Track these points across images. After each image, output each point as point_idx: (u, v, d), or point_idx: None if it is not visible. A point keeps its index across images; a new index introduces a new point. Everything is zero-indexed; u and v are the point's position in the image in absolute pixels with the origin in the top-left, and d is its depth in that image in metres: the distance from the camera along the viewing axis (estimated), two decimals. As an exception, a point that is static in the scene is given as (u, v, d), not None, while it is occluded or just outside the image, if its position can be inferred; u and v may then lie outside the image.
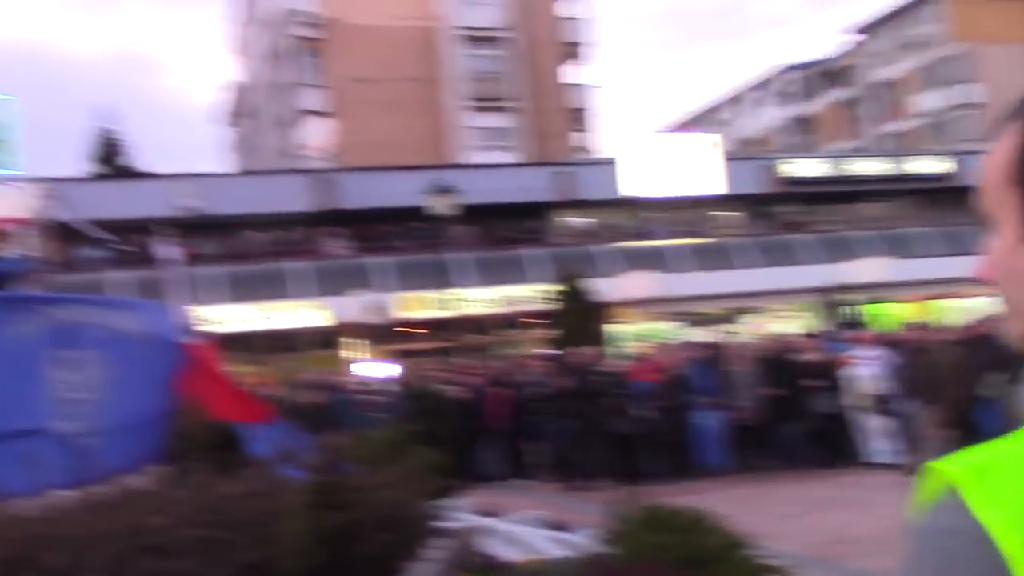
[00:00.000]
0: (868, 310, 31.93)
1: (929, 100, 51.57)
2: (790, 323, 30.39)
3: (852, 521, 8.68)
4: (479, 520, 6.70)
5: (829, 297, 32.74)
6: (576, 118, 47.93)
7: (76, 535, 3.25)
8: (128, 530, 3.30)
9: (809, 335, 18.68)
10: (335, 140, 41.78)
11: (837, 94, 58.45)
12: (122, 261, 27.65)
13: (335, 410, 15.39)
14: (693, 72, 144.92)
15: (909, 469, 10.66)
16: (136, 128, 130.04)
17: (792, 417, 12.82)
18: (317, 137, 42.75)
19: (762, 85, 64.08)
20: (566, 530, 6.77)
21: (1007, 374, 9.98)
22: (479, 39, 44.23)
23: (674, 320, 31.54)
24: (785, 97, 61.77)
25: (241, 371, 23.46)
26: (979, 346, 10.79)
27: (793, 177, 38.59)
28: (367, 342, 28.96)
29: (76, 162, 46.51)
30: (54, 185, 29.98)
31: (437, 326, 28.33)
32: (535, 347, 25.48)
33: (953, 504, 0.77)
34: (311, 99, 43.26)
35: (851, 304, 32.62)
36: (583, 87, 48.62)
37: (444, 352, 24.99)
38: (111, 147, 46.35)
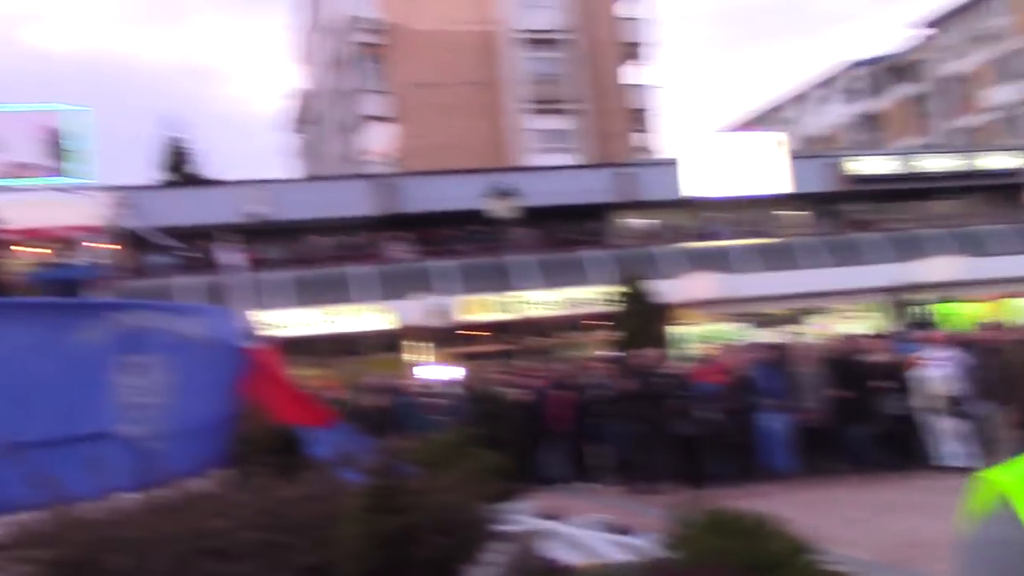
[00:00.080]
0: (939, 310, 31.24)
1: (1001, 94, 50.30)
2: (858, 323, 29.85)
3: (922, 526, 8.47)
4: (540, 523, 6.66)
5: (898, 297, 32.08)
6: (637, 119, 47.67)
7: (140, 538, 3.29)
8: (190, 533, 3.34)
9: (878, 335, 18.31)
10: (397, 145, 42.09)
11: (905, 90, 57.31)
12: (189, 267, 28.17)
13: (398, 413, 15.47)
14: (756, 70, 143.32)
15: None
16: (204, 136, 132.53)
17: (860, 419, 12.56)
18: (380, 142, 43.12)
19: (827, 82, 63.08)
20: (629, 534, 6.69)
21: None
22: (539, 41, 44.24)
23: (738, 321, 31.19)
24: (851, 94, 60.74)
25: (305, 374, 23.76)
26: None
27: (861, 175, 37.94)
28: (430, 345, 29.11)
29: (146, 170, 47.44)
30: (125, 193, 30.69)
31: (499, 329, 28.36)
32: (597, 349, 25.38)
33: (1005, 515, 0.72)
34: (374, 105, 43.66)
35: (921, 304, 31.95)
36: (644, 87, 48.33)
37: (506, 355, 24.99)
38: (180, 155, 47.27)
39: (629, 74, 47.32)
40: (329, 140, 52.51)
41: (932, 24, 54.78)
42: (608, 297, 26.10)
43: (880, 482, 11.41)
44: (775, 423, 12.76)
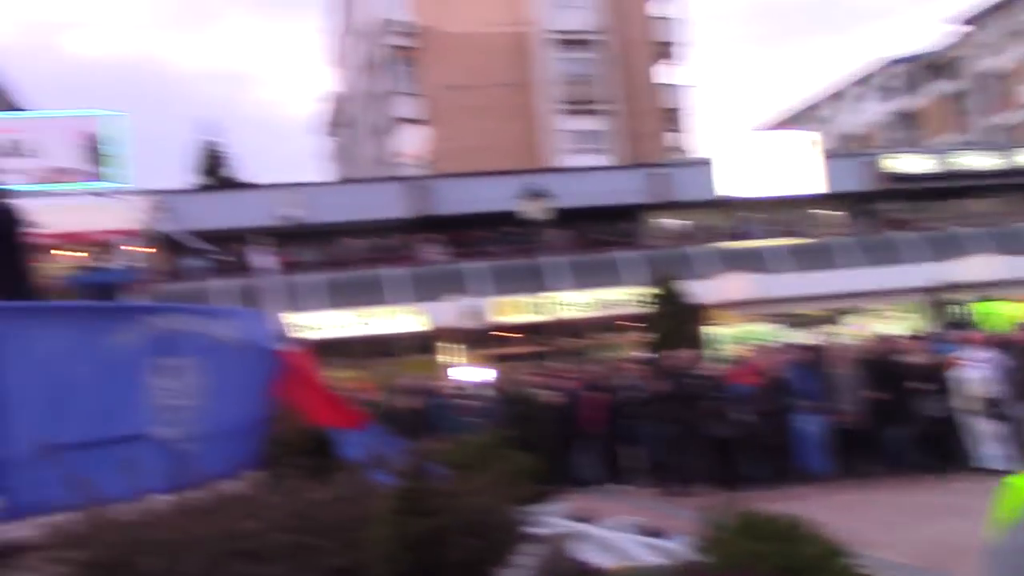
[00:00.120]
0: (977, 309, 30.82)
1: (1041, 90, 49.59)
2: (895, 324, 29.53)
3: (961, 529, 8.32)
4: (572, 525, 6.63)
5: (936, 297, 31.69)
6: (670, 119, 47.51)
7: (172, 539, 3.32)
8: (222, 535, 3.36)
9: (915, 336, 18.10)
10: (430, 147, 42.24)
11: (942, 87, 56.63)
12: (222, 270, 28.43)
13: (431, 415, 15.52)
14: (791, 69, 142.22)
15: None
16: (239, 140, 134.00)
17: (898, 421, 12.42)
18: (412, 145, 43.30)
19: (864, 80, 62.49)
20: (661, 536, 6.65)
21: None
22: (571, 42, 44.21)
23: (773, 322, 30.97)
24: (888, 91, 60.12)
25: (339, 376, 23.90)
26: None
27: (897, 173, 37.56)
28: (463, 347, 29.18)
29: (182, 174, 48.02)
30: (160, 197, 31.06)
31: (532, 330, 28.36)
32: (631, 350, 25.30)
33: None
34: (406, 107, 43.85)
35: (959, 303, 31.54)
36: (677, 87, 48.15)
37: (539, 356, 24.99)
38: (215, 159, 47.79)
39: (662, 74, 47.16)
40: (362, 143, 52.81)
41: (970, 20, 54.10)
42: (641, 298, 26.02)
43: (917, 484, 11.28)
44: (811, 425, 12.65)
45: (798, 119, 64.55)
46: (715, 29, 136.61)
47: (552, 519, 6.33)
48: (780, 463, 12.52)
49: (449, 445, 9.02)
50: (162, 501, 3.93)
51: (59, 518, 3.82)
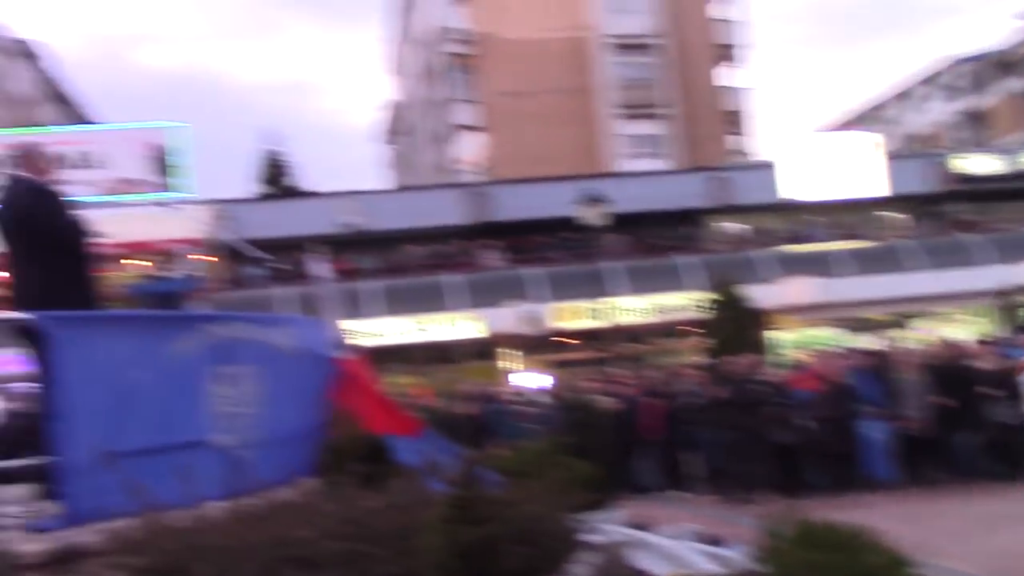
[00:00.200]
0: (1048, 313, 30.01)
1: (1114, 87, 48.19)
2: (963, 328, 28.85)
3: (1032, 539, 8.12)
4: (629, 533, 6.58)
5: (1005, 300, 30.89)
6: (731, 122, 47.09)
7: (226, 546, 3.35)
8: (275, 542, 3.38)
9: (984, 341, 17.67)
10: (488, 153, 42.38)
11: (1011, 85, 55.27)
12: (281, 278, 28.82)
13: (489, 421, 15.55)
14: (854, 70, 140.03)
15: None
16: (300, 149, 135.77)
17: (966, 427, 12.14)
18: (471, 151, 43.49)
19: (930, 79, 61.28)
20: (720, 544, 6.57)
21: None
22: (629, 46, 44.07)
23: (836, 327, 30.47)
24: (954, 91, 58.89)
25: (399, 383, 24.06)
26: None
27: (964, 174, 36.76)
28: (522, 353, 29.18)
29: (245, 184, 48.80)
30: (223, 206, 31.61)
31: (591, 336, 28.26)
32: (691, 356, 25.09)
33: None
34: (465, 114, 44.06)
35: (1029, 307, 30.74)
36: (738, 90, 47.71)
37: (598, 362, 24.89)
38: (277, 168, 48.47)
39: (722, 76, 46.75)
40: (421, 150, 53.19)
41: (1039, 16, 52.76)
42: (701, 303, 25.78)
43: (986, 493, 11.01)
44: (875, 431, 12.42)
45: (862, 120, 63.49)
46: (777, 30, 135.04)
47: (609, 527, 6.28)
48: (844, 471, 12.30)
49: (506, 452, 9.02)
50: (218, 508, 3.97)
51: (118, 524, 3.87)
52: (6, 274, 5.81)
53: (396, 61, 61.59)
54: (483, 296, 30.04)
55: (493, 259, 33.43)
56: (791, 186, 35.28)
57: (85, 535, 4.16)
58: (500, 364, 29.38)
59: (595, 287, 28.17)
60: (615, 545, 5.66)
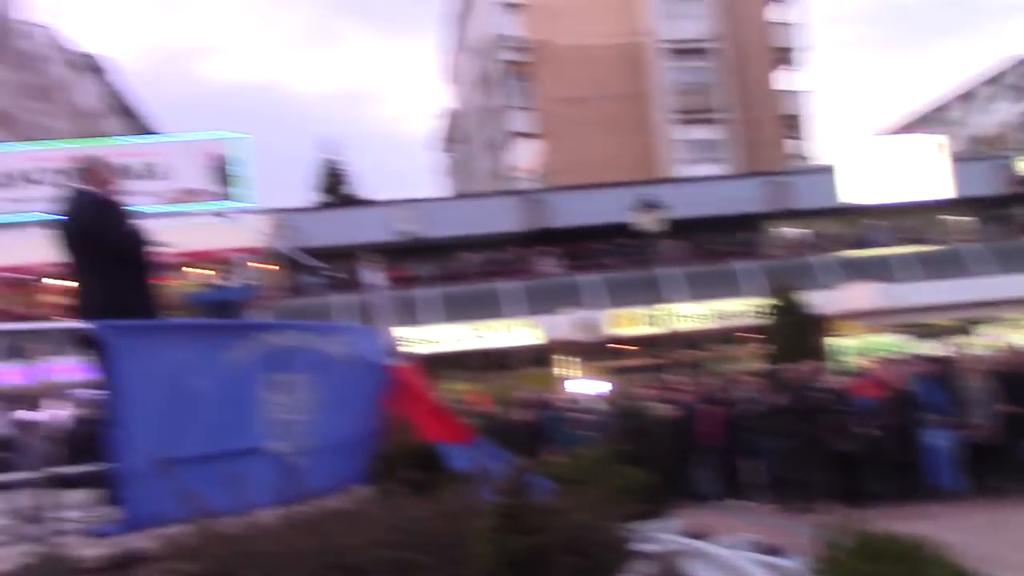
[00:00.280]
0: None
1: None
2: (1031, 334, 28.14)
3: (1106, 552, 7.86)
4: (686, 542, 6.50)
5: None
6: (790, 125, 46.54)
7: (276, 553, 3.37)
8: (325, 549, 3.39)
9: (1053, 346, 17.21)
10: (544, 160, 42.39)
11: (1080, 84, 53.94)
12: (339, 286, 29.08)
13: (546, 428, 15.52)
14: (916, 70, 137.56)
15: None
16: (358, 158, 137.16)
17: (1035, 436, 11.83)
18: (527, 158, 43.54)
19: (995, 79, 59.98)
20: (778, 554, 6.46)
21: None
22: (685, 51, 43.80)
23: (900, 333, 29.89)
24: (1020, 91, 57.58)
25: (456, 389, 24.13)
26: None
27: (1032, 176, 35.87)
28: (579, 359, 29.09)
29: (304, 192, 49.47)
30: (283, 215, 32.04)
31: (648, 343, 28.10)
32: (750, 363, 24.81)
33: None
34: (520, 121, 44.14)
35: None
36: (797, 93, 47.13)
37: (656, 369, 24.74)
38: (335, 177, 49.00)
39: (781, 80, 46.23)
40: (477, 158, 53.40)
41: (1110, 13, 51.38)
42: (760, 309, 25.47)
43: (1056, 503, 10.71)
44: (940, 440, 12.15)
45: (925, 122, 62.34)
46: (838, 32, 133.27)
47: (665, 535, 6.21)
48: (908, 480, 12.06)
49: (561, 459, 8.97)
50: (270, 515, 4.00)
51: (174, 530, 3.92)
52: (71, 284, 5.94)
53: (452, 69, 61.94)
54: (540, 303, 30.03)
55: (549, 266, 33.40)
56: (852, 190, 34.74)
57: (142, 540, 4.22)
58: (556, 371, 29.34)
59: (652, 293, 27.98)
60: (670, 554, 5.59)
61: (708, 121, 43.77)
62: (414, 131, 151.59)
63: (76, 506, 5.12)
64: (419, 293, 29.92)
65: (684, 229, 28.49)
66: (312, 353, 5.89)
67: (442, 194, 57.32)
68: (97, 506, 5.08)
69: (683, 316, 28.58)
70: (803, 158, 46.06)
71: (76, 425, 11.84)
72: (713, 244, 33.61)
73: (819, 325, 24.87)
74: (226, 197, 32.31)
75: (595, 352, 28.85)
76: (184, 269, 22.80)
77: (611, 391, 20.27)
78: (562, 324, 28.48)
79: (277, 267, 28.82)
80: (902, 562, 4.14)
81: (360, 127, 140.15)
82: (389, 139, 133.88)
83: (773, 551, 6.66)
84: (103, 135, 50.18)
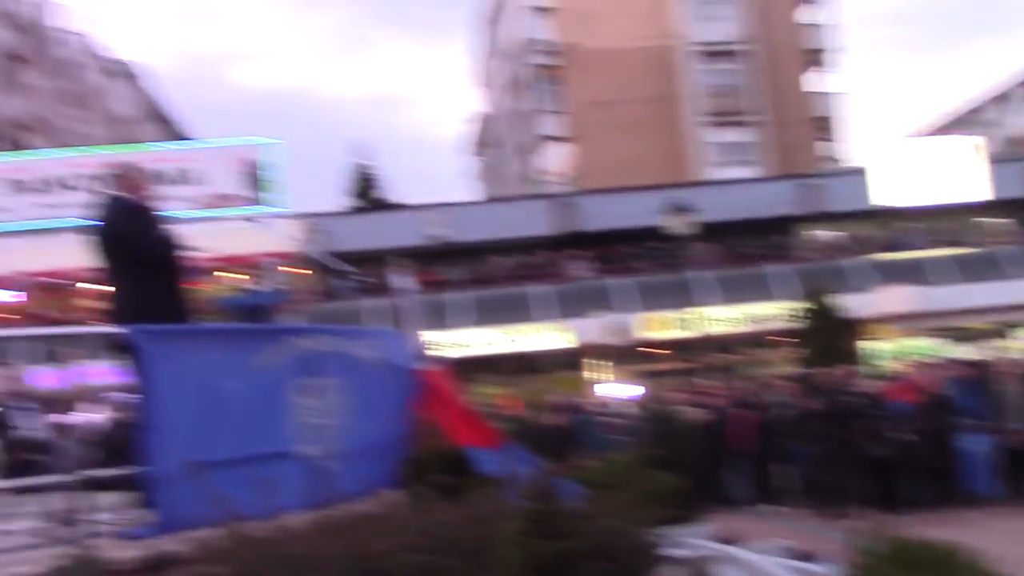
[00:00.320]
0: None
1: None
2: (1070, 337, 27.74)
3: None
4: (717, 547, 6.45)
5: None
6: (822, 128, 46.18)
7: (304, 556, 3.39)
8: (353, 553, 3.40)
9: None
10: (575, 164, 42.34)
11: (1119, 84, 53.11)
12: (369, 290, 29.22)
13: (577, 432, 15.48)
14: (950, 71, 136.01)
15: None
16: (390, 162, 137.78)
17: (1074, 441, 11.64)
18: (557, 162, 43.51)
19: (1031, 80, 59.18)
20: (811, 560, 6.40)
21: None
22: (716, 54, 43.60)
23: (935, 336, 29.53)
24: (1058, 91, 56.80)
25: (487, 393, 24.13)
26: None
27: (1071, 177, 35.34)
28: (610, 363, 29.01)
29: (336, 197, 49.74)
30: (314, 220, 32.23)
31: (679, 346, 27.97)
32: (782, 367, 24.62)
33: None
34: (551, 125, 44.11)
35: None
36: (829, 95, 46.75)
37: (687, 372, 24.61)
38: (367, 181, 49.24)
39: (813, 82, 45.89)
40: (508, 161, 53.44)
41: None
42: (792, 313, 25.27)
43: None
44: (976, 445, 11.98)
45: (961, 123, 61.61)
46: (869, 33, 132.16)
47: (696, 541, 6.17)
48: (943, 485, 11.90)
49: (592, 463, 8.94)
50: (300, 518, 4.01)
51: (205, 533, 3.95)
52: (105, 289, 6.00)
53: (483, 74, 62.04)
54: (570, 306, 29.98)
55: (580, 269, 33.35)
56: (886, 192, 34.41)
57: (174, 543, 4.25)
58: (588, 375, 29.27)
59: (683, 297, 27.85)
60: (701, 560, 5.56)
61: (739, 123, 43.54)
62: (445, 135, 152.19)
63: (109, 509, 5.17)
64: (450, 297, 29.97)
65: (715, 232, 28.34)
66: (342, 357, 5.91)
67: (473, 198, 57.41)
68: (130, 509, 5.12)
69: (714, 320, 28.43)
70: (836, 160, 45.68)
71: (111, 428, 11.98)
72: (745, 247, 33.41)
73: (853, 329, 24.62)
74: (259, 202, 32.57)
75: (626, 356, 28.76)
76: (217, 274, 22.99)
77: (642, 395, 20.17)
78: (593, 328, 28.42)
79: (308, 271, 28.99)
80: (937, 569, 4.09)
81: (392, 131, 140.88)
82: (421, 143, 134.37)
83: (806, 557, 6.60)
84: (138, 141, 50.83)
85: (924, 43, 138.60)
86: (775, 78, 43.74)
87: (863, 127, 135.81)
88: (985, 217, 35.45)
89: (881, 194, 34.42)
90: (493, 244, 33.56)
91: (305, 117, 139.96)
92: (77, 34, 52.86)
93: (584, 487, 5.43)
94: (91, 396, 16.05)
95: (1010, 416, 12.02)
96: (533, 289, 31.28)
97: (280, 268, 25.41)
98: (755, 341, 29.93)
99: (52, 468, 6.90)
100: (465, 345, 28.07)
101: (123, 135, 53.67)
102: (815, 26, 46.35)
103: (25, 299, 28.32)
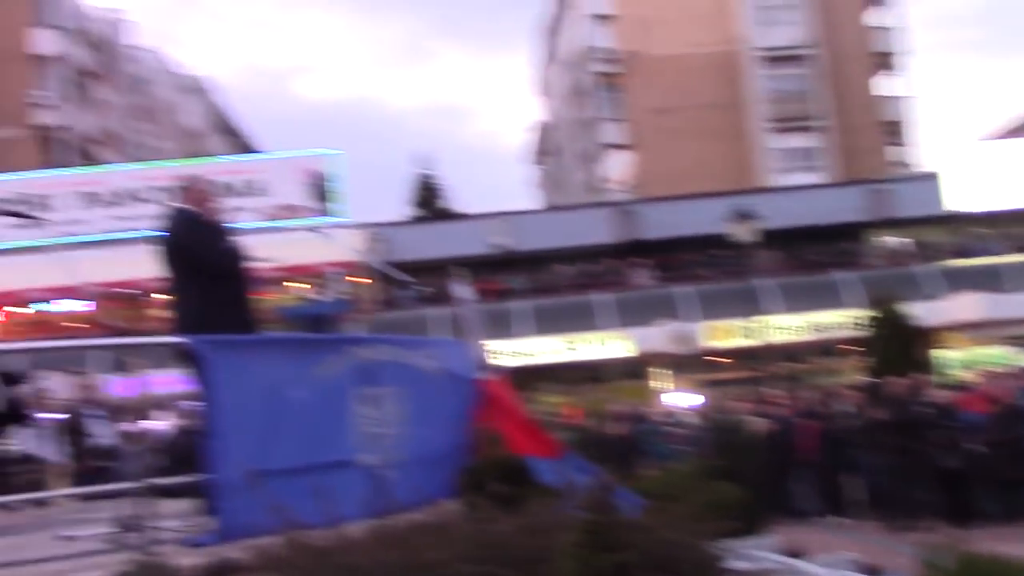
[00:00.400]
0: None
1: None
2: None
3: None
4: (782, 560, 6.35)
5: None
6: (891, 132, 45.30)
7: (362, 565, 3.40)
8: (410, 563, 3.41)
9: None
10: (636, 171, 42.13)
11: None
12: (429, 300, 29.34)
13: (639, 441, 15.40)
14: (1022, 73, 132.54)
15: None
16: (452, 172, 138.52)
17: None
18: (619, 170, 43.34)
19: (1108, 80, 57.50)
20: (878, 574, 6.26)
21: None
22: (781, 58, 43.08)
23: (1008, 345, 28.75)
24: None
25: (550, 402, 24.10)
26: None
27: None
28: (673, 372, 28.78)
29: (399, 207, 50.23)
30: (377, 230, 32.51)
31: (744, 355, 27.63)
32: (850, 376, 24.18)
33: None
34: (612, 133, 43.96)
35: None
36: (898, 99, 45.87)
37: (752, 382, 24.31)
38: (429, 191, 49.61)
39: (881, 86, 45.09)
40: (569, 170, 53.39)
41: None
42: (860, 321, 24.79)
43: None
44: (1051, 457, 11.66)
45: (1033, 126, 60.06)
46: (940, 35, 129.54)
47: (759, 553, 6.08)
48: (1017, 498, 11.59)
49: (653, 474, 8.86)
50: (359, 527, 4.04)
51: (265, 541, 3.99)
52: (170, 299, 6.12)
53: (544, 83, 62.12)
54: (633, 315, 29.80)
55: (643, 277, 33.15)
56: (958, 197, 33.66)
57: (236, 551, 4.31)
58: (651, 384, 29.06)
59: (748, 305, 27.51)
60: (764, 573, 5.47)
61: (804, 129, 42.94)
62: (508, 145, 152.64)
63: (175, 516, 5.26)
64: (512, 306, 29.99)
65: (780, 239, 27.97)
66: (402, 367, 5.96)
67: (534, 206, 57.46)
68: (194, 516, 5.20)
69: (780, 328, 28.05)
70: (905, 165, 44.80)
71: (177, 436, 12.21)
72: (811, 254, 32.91)
73: (922, 337, 24.08)
74: (323, 212, 32.97)
75: (689, 364, 28.51)
76: (284, 284, 23.32)
77: (706, 404, 19.99)
78: (656, 336, 28.22)
79: (371, 281, 29.26)
80: (1007, 585, 3.98)
81: (454, 142, 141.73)
82: (484, 153, 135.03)
83: (873, 571, 6.46)
84: (206, 154, 51.89)
85: (995, 44, 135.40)
86: (841, 82, 43.08)
87: (934, 131, 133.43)
88: (1061, 222, 34.50)
89: (953, 199, 33.69)
90: (555, 253, 33.52)
91: (368, 128, 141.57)
92: (149, 50, 54.16)
93: (644, 498, 5.38)
94: (160, 404, 16.40)
95: (1088, 427, 11.67)
96: (595, 297, 31.16)
97: (343, 278, 25.68)
98: (821, 350, 29.46)
99: (121, 475, 7.04)
100: (527, 354, 28.06)
101: (192, 148, 54.85)
102: (882, 29, 45.56)
103: (94, 309, 29.01)
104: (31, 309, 31.60)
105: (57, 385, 14.66)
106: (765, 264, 29.00)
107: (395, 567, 3.37)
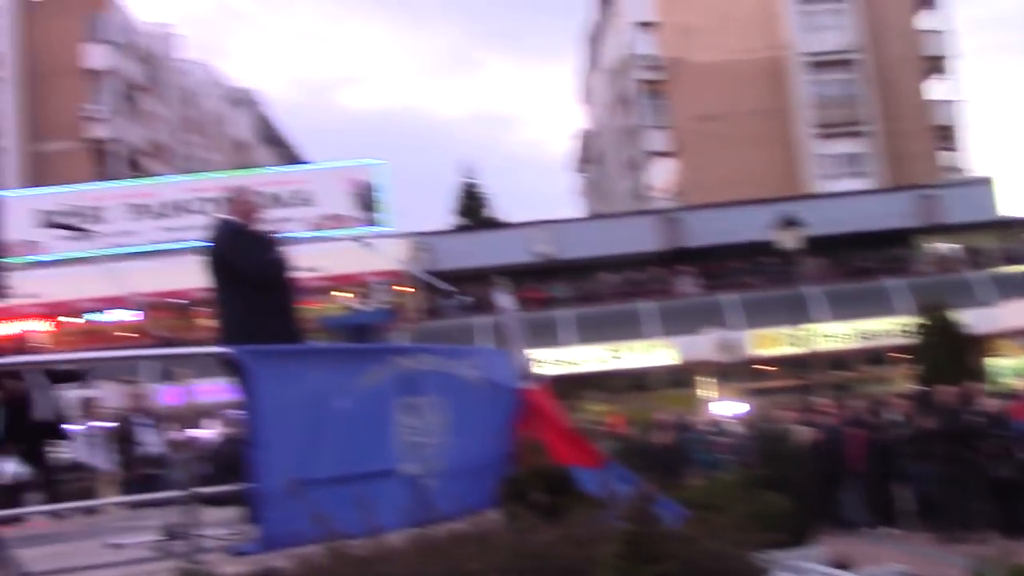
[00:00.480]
0: None
1: None
2: None
3: None
4: (829, 572, 6.27)
5: None
6: (942, 137, 44.60)
7: (401, 574, 3.41)
8: (449, 572, 3.41)
9: None
10: (681, 179, 41.92)
11: None
12: (470, 309, 29.39)
13: (685, 450, 15.29)
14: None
15: None
16: (497, 180, 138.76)
17: None
18: (663, 177, 43.15)
19: None
20: (927, 587, 6.16)
21: None
22: (827, 64, 42.67)
23: (1064, 353, 28.20)
24: None
25: (594, 411, 24.02)
26: None
27: None
28: (718, 381, 28.55)
29: (444, 215, 50.45)
30: (421, 239, 32.68)
31: (791, 363, 27.32)
32: (899, 384, 23.83)
33: None
34: (656, 140, 43.80)
35: None
36: (948, 103, 45.17)
37: (799, 390, 24.03)
38: (473, 200, 49.76)
39: (930, 90, 44.45)
40: (613, 178, 53.26)
41: None
42: (909, 328, 24.42)
43: None
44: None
45: (1088, 129, 58.87)
46: (987, 38, 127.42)
47: (806, 564, 6.01)
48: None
49: (697, 483, 8.78)
50: (400, 537, 4.05)
51: (307, 550, 4.01)
52: (216, 308, 6.19)
53: (587, 91, 62.09)
54: (678, 323, 29.59)
55: (687, 285, 32.95)
56: (1012, 202, 33.07)
57: (279, 560, 4.33)
58: (696, 392, 28.85)
59: (794, 313, 27.21)
60: (809, 584, 5.40)
61: (852, 134, 42.46)
62: (552, 153, 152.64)
63: (220, 524, 5.31)
64: (557, 314, 29.94)
65: (828, 246, 27.64)
66: (444, 376, 5.97)
67: (578, 215, 57.39)
68: (239, 524, 5.25)
69: (827, 336, 27.71)
70: (956, 170, 44.08)
71: (222, 445, 12.33)
72: (859, 261, 32.49)
73: (973, 345, 23.67)
74: (369, 222, 33.21)
75: (735, 373, 28.26)
76: (331, 293, 23.55)
77: (751, 413, 19.79)
78: (701, 344, 28.01)
79: (415, 290, 29.39)
80: (1061, 600, 3.89)
81: (499, 150, 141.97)
82: (529, 162, 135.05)
83: (921, 583, 6.36)
84: (253, 165, 52.53)
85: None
86: (889, 87, 42.55)
87: (986, 136, 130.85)
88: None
89: (1007, 204, 33.12)
90: (599, 261, 33.43)
91: (414, 138, 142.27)
92: (197, 63, 55.00)
93: (687, 508, 5.34)
94: (206, 413, 16.58)
95: None
96: (640, 306, 31.00)
97: (387, 287, 25.83)
98: (870, 358, 29.05)
99: (168, 484, 7.12)
100: (571, 363, 27.99)
101: (240, 159, 55.57)
102: (931, 32, 44.93)
103: (143, 318, 29.45)
104: (82, 319, 32.17)
105: (108, 394, 14.90)
106: (812, 271, 28.68)
107: (435, 577, 3.38)
